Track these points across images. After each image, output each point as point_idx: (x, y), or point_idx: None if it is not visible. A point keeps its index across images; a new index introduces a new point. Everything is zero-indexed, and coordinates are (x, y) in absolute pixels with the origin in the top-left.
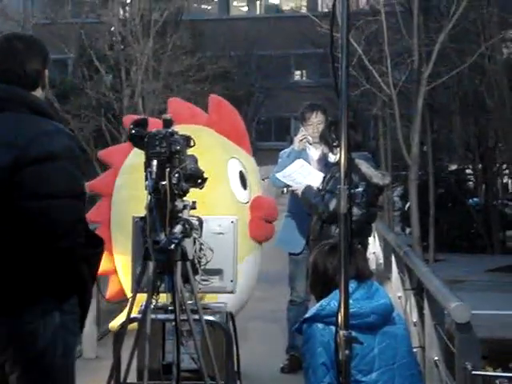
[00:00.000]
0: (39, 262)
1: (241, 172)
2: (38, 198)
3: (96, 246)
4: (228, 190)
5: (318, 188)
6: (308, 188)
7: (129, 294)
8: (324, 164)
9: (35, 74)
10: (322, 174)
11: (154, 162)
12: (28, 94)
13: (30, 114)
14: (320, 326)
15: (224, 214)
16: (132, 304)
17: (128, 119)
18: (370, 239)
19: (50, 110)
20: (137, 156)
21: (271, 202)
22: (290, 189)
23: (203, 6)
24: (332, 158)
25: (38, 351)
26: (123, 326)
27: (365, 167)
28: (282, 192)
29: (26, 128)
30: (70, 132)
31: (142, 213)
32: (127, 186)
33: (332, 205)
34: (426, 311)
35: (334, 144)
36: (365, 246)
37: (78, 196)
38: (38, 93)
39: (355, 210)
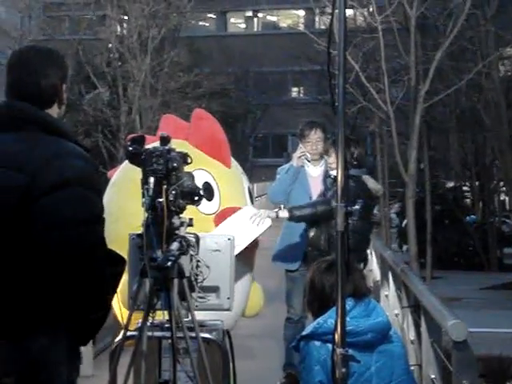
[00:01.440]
0: (61, 289)
1: (206, 183)
2: (57, 227)
3: (116, 264)
4: None
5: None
6: (293, 207)
7: (123, 313)
8: (327, 177)
9: (51, 89)
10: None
11: (151, 179)
12: (40, 111)
13: (42, 134)
14: (317, 343)
15: None
16: (128, 321)
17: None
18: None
19: (65, 128)
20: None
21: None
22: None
23: (201, 23)
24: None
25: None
26: (119, 343)
27: (371, 183)
28: (280, 208)
29: (39, 151)
30: (84, 152)
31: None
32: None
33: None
34: (423, 329)
35: (354, 161)
36: (365, 259)
37: (97, 220)
38: (55, 110)
39: (359, 224)
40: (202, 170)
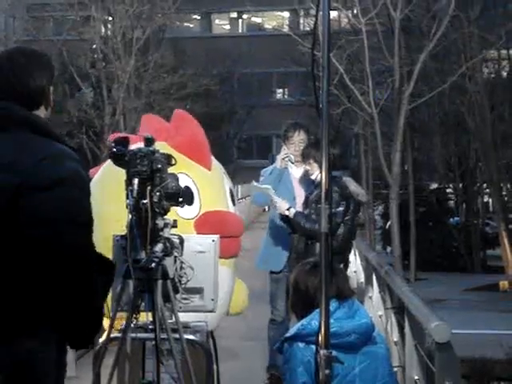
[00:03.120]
0: (47, 289)
1: (186, 187)
2: (44, 225)
3: (106, 270)
4: None
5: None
6: (298, 213)
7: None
8: (307, 181)
9: (39, 91)
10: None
11: (136, 181)
12: (30, 113)
13: (33, 136)
14: (301, 345)
15: None
16: (112, 323)
17: (113, 137)
18: (351, 257)
19: (54, 130)
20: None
21: (223, 216)
22: (281, 211)
23: (185, 24)
24: (317, 176)
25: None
26: (103, 344)
27: (353, 186)
28: (264, 210)
29: (28, 151)
30: (74, 154)
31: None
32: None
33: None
34: (407, 330)
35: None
36: (346, 262)
37: (85, 223)
38: (42, 112)
39: (341, 229)
40: (182, 173)
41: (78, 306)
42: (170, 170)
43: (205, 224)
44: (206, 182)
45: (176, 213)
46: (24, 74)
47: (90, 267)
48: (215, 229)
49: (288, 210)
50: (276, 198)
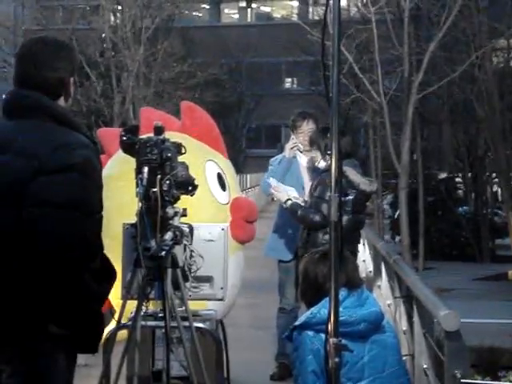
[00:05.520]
0: (43, 278)
1: (219, 174)
2: (40, 205)
3: (107, 276)
4: (207, 192)
5: (304, 200)
6: (294, 203)
7: (116, 302)
8: (312, 170)
9: (58, 82)
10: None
11: (145, 169)
12: (51, 102)
13: (53, 124)
14: (310, 333)
15: (204, 215)
16: (122, 311)
17: (101, 132)
18: (360, 247)
19: (74, 120)
20: (113, 167)
21: (251, 202)
22: (281, 203)
23: (194, 13)
24: (322, 163)
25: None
26: (113, 333)
27: (352, 174)
28: (272, 199)
29: (47, 139)
30: (91, 144)
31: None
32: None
33: (324, 210)
34: (416, 319)
35: (328, 152)
36: (355, 253)
37: (85, 211)
38: (61, 103)
39: (344, 217)
40: (211, 161)
41: (72, 299)
42: (203, 158)
43: (239, 210)
44: (228, 169)
45: (215, 199)
46: (44, 64)
47: (85, 257)
48: (249, 214)
49: (285, 202)
50: (276, 189)
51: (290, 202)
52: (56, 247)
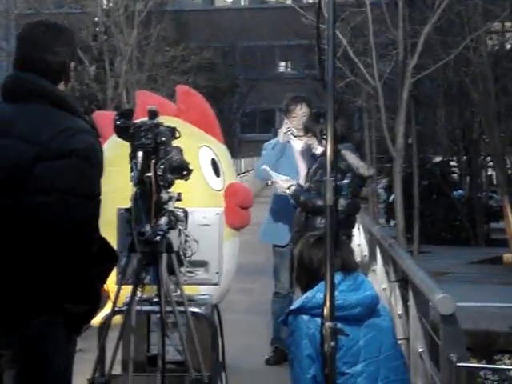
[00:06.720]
0: (46, 263)
1: (213, 160)
2: (44, 192)
3: (108, 258)
4: (200, 178)
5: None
6: (298, 189)
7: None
8: (310, 155)
9: (59, 66)
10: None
11: (140, 154)
12: (51, 86)
13: (54, 109)
14: (305, 317)
15: (197, 201)
16: (117, 296)
17: (96, 115)
18: (355, 231)
19: (74, 105)
20: (107, 150)
21: (246, 188)
22: (280, 191)
23: None
24: (319, 149)
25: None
26: (108, 318)
27: (351, 158)
28: (267, 184)
29: (48, 124)
30: (92, 130)
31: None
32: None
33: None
34: (411, 303)
35: (324, 136)
36: (350, 237)
37: (88, 196)
38: (61, 87)
39: (341, 201)
40: (206, 146)
41: (72, 278)
42: (197, 143)
43: (234, 196)
44: (223, 155)
45: (209, 185)
46: (45, 48)
47: (85, 241)
48: (243, 200)
49: (288, 188)
50: (276, 179)
51: (293, 188)
52: (62, 233)
